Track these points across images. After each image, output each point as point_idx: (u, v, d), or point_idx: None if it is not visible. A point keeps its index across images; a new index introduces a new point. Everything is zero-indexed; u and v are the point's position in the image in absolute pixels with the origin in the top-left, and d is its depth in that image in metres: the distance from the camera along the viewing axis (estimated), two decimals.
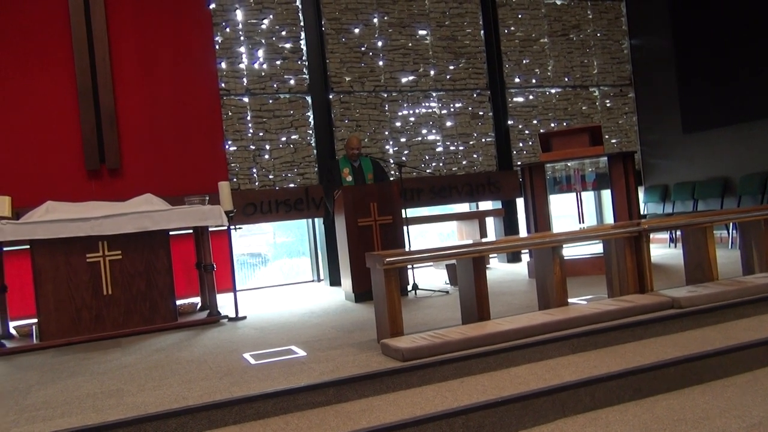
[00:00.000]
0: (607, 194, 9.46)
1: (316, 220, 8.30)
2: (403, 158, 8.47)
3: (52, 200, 5.52)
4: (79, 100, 6.93)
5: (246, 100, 7.75)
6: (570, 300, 4.64)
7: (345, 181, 6.60)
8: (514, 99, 9.18)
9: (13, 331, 5.60)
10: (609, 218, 9.65)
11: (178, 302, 5.99)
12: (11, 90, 6.81)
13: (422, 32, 8.65)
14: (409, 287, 6.34)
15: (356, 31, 8.28)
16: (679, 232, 8.29)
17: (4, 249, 5.70)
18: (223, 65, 7.68)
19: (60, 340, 5.10)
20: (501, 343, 3.63)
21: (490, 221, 8.97)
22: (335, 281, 7.71)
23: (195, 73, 7.41)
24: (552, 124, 9.34)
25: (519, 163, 9.01)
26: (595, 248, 7.43)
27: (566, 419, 3.04)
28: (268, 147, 7.81)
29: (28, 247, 5.23)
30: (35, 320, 5.30)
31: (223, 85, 7.64)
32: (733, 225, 7.93)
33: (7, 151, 6.77)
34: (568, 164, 6.86)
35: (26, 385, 3.84)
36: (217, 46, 7.61)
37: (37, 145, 6.86)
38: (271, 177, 7.79)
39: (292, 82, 7.95)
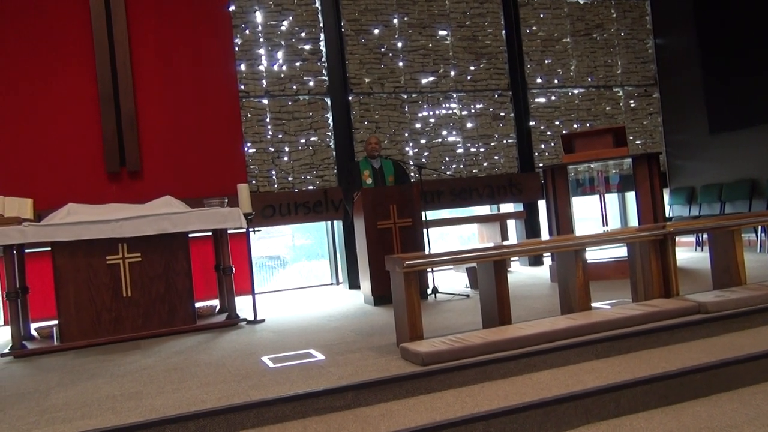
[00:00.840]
0: (631, 196, 9.36)
1: (335, 222, 8.32)
2: (423, 160, 8.46)
3: (73, 202, 5.59)
4: (101, 104, 7.01)
5: (265, 101, 7.79)
6: (593, 304, 4.60)
7: (365, 184, 6.61)
8: (536, 100, 9.13)
9: (34, 333, 5.68)
10: (633, 221, 9.55)
11: (197, 305, 6.01)
12: (33, 94, 6.92)
13: (443, 33, 8.64)
14: (429, 291, 6.33)
15: (376, 32, 8.29)
16: (705, 235, 8.17)
17: (26, 251, 5.78)
18: (243, 67, 7.73)
19: (80, 342, 5.15)
20: (522, 348, 3.60)
21: (511, 224, 8.93)
22: (354, 284, 7.72)
23: (214, 76, 7.47)
24: (575, 125, 9.27)
25: (541, 164, 8.96)
26: (619, 251, 7.35)
27: (590, 426, 3.00)
28: (287, 149, 7.84)
29: (49, 249, 5.29)
30: (56, 322, 5.37)
31: (242, 87, 7.69)
32: (761, 228, 7.80)
33: (29, 154, 6.87)
34: (592, 166, 6.81)
35: (47, 386, 3.89)
36: (236, 48, 7.66)
37: (58, 148, 6.95)
38: (290, 179, 7.81)
39: (311, 83, 7.98)
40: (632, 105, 9.65)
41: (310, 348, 4.28)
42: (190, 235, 5.73)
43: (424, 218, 6.34)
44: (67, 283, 5.19)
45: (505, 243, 4.57)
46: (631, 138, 9.52)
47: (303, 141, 7.91)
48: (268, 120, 7.79)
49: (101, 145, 7.03)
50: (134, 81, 7.13)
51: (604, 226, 6.80)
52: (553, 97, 9.22)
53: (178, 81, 7.34)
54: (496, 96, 8.92)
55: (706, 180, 9.08)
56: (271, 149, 7.78)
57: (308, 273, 8.59)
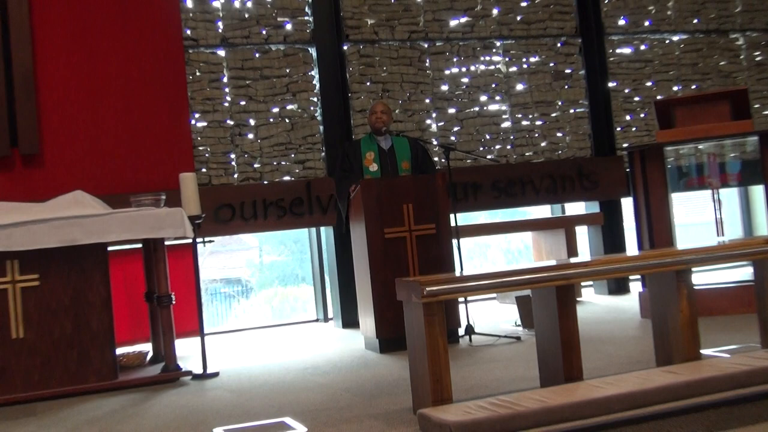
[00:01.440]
0: (759, 192, 9.28)
1: (322, 230, 8.28)
2: (453, 138, 8.42)
3: None
4: None
5: (221, 53, 7.79)
6: (704, 351, 4.58)
7: (368, 171, 6.59)
8: (618, 50, 9.10)
9: None
10: (762, 229, 9.48)
11: (120, 351, 5.98)
12: None
13: None
14: (461, 331, 6.31)
15: None
16: None
17: None
18: (189, 3, 7.72)
19: None
20: (600, 417, 3.57)
21: (582, 232, 8.90)
22: (350, 321, 7.69)
23: (147, 17, 7.44)
24: (675, 88, 9.24)
25: (625, 145, 8.91)
26: (741, 272, 7.28)
27: None
28: (252, 122, 7.82)
29: None
30: None
31: (188, 32, 7.69)
32: None
33: None
34: (700, 147, 6.79)
35: None
36: None
37: None
38: (256, 166, 7.79)
39: (288, 27, 7.98)
40: (757, 58, 9.61)
41: (285, 416, 4.25)
42: (110, 249, 5.70)
43: (453, 223, 6.29)
44: None
45: (573, 260, 4.52)
46: (756, 106, 9.46)
47: (276, 111, 7.89)
48: (225, 80, 7.77)
49: None
50: (32, 29, 7.10)
51: (718, 235, 6.76)
52: (642, 47, 9.18)
53: (95, 27, 7.31)
54: (559, 45, 8.89)
55: None
56: (230, 122, 7.76)
57: (283, 304, 8.57)
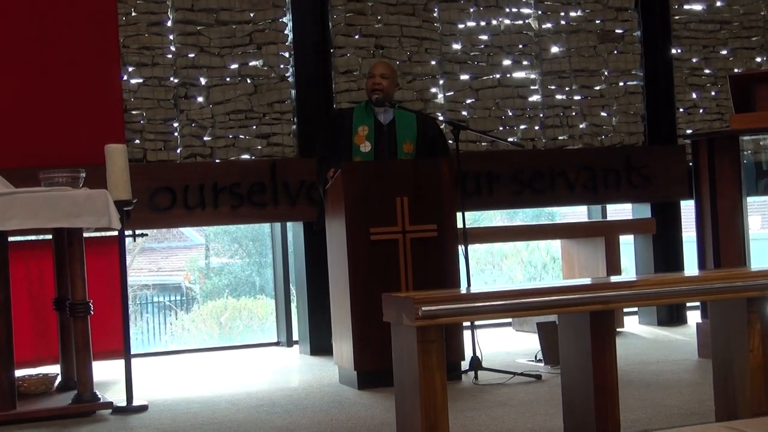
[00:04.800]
0: None
1: (289, 226, 8.29)
2: (464, 113, 8.44)
3: None
4: None
5: None
6: None
7: (358, 152, 6.59)
8: (685, 6, 9.12)
9: None
10: None
11: (20, 373, 5.97)
12: None
13: None
14: (465, 365, 6.32)
15: None
16: None
17: None
18: None
19: None
20: None
21: (626, 242, 8.90)
22: (321, 347, 7.70)
23: None
24: (758, 59, 9.27)
25: (689, 131, 8.91)
26: None
27: None
28: (203, 81, 7.82)
29: None
30: None
31: None
32: None
33: None
34: None
35: None
36: None
37: None
38: (206, 140, 7.79)
39: None
40: None
41: None
42: (10, 239, 5.69)
43: (461, 224, 6.30)
44: None
45: (614, 279, 4.52)
46: None
47: (235, 68, 7.88)
48: (169, 24, 7.75)
49: None
50: None
51: None
52: (717, 3, 9.20)
53: None
54: None
55: None
56: (173, 80, 7.76)
57: (234, 321, 8.56)
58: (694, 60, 9.12)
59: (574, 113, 8.75)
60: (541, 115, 8.67)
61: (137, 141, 7.62)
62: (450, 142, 7.05)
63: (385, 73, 6.63)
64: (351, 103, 7.29)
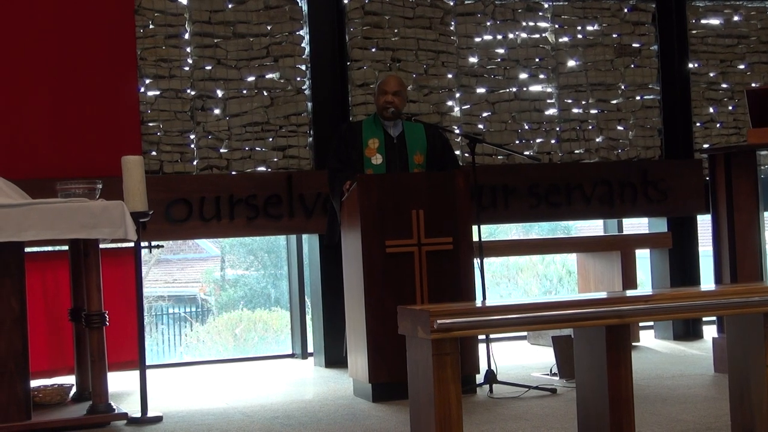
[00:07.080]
0: None
1: (305, 239, 8.30)
2: (480, 127, 8.43)
3: None
4: None
5: (183, 1, 7.77)
6: None
7: (369, 164, 6.61)
8: (703, 21, 9.10)
9: None
10: None
11: (35, 383, 5.97)
12: None
13: None
14: (480, 378, 6.31)
15: None
16: None
17: None
18: None
19: None
20: None
21: (643, 256, 8.89)
22: (336, 359, 7.68)
23: None
24: None
25: (706, 146, 8.89)
26: None
27: None
28: (220, 93, 7.83)
29: None
30: None
31: None
32: None
33: None
34: None
35: None
36: None
37: None
38: (223, 152, 7.80)
39: None
40: None
41: None
42: (27, 250, 5.71)
43: (477, 238, 6.31)
44: None
45: (630, 293, 4.52)
46: None
47: (252, 80, 7.89)
48: (186, 36, 7.77)
49: None
50: None
51: None
52: (735, 18, 9.17)
53: None
54: (625, 11, 8.89)
55: None
56: (190, 92, 7.77)
57: (249, 333, 8.56)
58: (711, 74, 9.10)
59: (590, 127, 8.74)
60: (558, 129, 8.67)
61: (154, 153, 7.64)
62: (466, 155, 7.06)
63: (397, 90, 6.66)
64: (367, 116, 7.29)
